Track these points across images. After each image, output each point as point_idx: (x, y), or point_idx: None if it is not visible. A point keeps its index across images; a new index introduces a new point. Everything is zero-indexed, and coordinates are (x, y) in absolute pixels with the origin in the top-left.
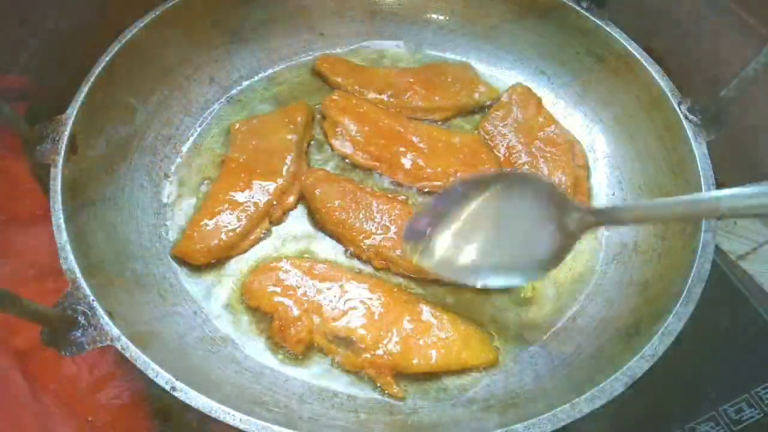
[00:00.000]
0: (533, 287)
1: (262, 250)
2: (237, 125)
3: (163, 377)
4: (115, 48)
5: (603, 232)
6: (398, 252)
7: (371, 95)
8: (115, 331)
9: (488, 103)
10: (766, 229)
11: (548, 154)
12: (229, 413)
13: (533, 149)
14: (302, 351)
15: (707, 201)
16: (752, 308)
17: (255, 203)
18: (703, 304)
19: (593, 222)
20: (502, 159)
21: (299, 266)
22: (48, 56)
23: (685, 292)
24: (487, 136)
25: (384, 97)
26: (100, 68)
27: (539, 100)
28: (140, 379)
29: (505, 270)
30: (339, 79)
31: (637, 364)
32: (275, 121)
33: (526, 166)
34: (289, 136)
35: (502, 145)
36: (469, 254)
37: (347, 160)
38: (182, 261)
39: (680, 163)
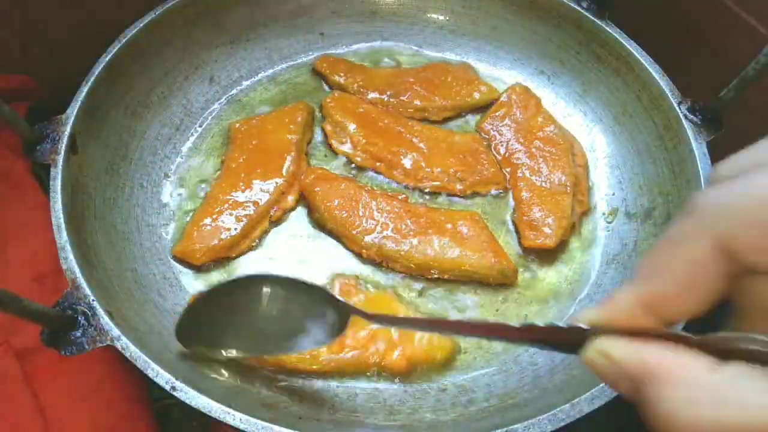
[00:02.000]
0: (524, 289)
1: (262, 250)
2: (237, 125)
3: (163, 377)
4: (115, 48)
5: (603, 232)
6: (399, 248)
7: (371, 95)
8: (115, 331)
9: (488, 103)
10: None
11: (548, 154)
12: (229, 413)
13: (533, 149)
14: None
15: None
16: None
17: (255, 203)
18: None
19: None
20: (501, 159)
21: None
22: (48, 56)
23: None
24: (486, 136)
25: (384, 97)
26: (100, 68)
27: (538, 100)
28: (140, 379)
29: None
30: (339, 79)
31: None
32: (275, 121)
33: (526, 166)
34: (289, 136)
35: (502, 145)
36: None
37: (347, 160)
38: (182, 261)
39: (680, 163)
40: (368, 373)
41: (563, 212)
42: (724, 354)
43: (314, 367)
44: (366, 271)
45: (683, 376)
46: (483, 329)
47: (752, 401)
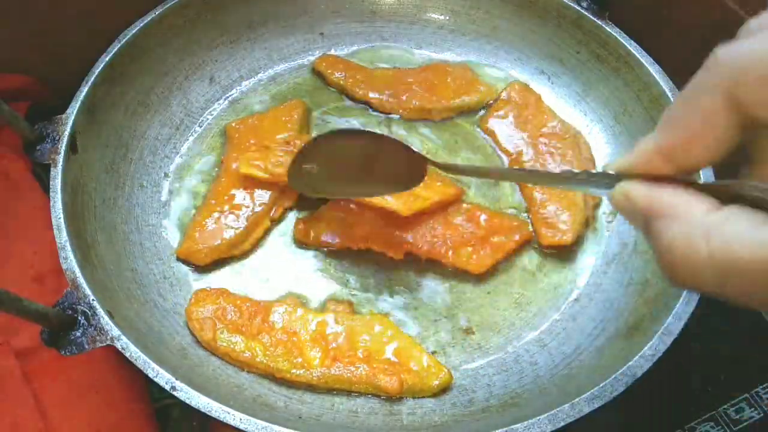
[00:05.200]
0: (526, 289)
1: (265, 248)
2: (233, 124)
3: (163, 377)
4: (115, 48)
5: (603, 232)
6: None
7: (371, 95)
8: (115, 331)
9: (488, 103)
10: None
11: (554, 149)
12: (229, 413)
13: (539, 145)
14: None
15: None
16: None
17: (256, 202)
18: (703, 304)
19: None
20: (509, 159)
21: (233, 300)
22: (48, 56)
23: (685, 292)
24: (489, 136)
25: (383, 97)
26: (100, 68)
27: (539, 97)
28: (140, 379)
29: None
30: (338, 79)
31: (637, 364)
32: (271, 120)
33: (533, 162)
34: (286, 135)
35: (508, 144)
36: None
37: None
38: (185, 261)
39: None
40: (359, 390)
41: (577, 206)
42: (729, 199)
43: (303, 380)
44: (361, 296)
45: (684, 213)
46: (532, 176)
47: (742, 236)
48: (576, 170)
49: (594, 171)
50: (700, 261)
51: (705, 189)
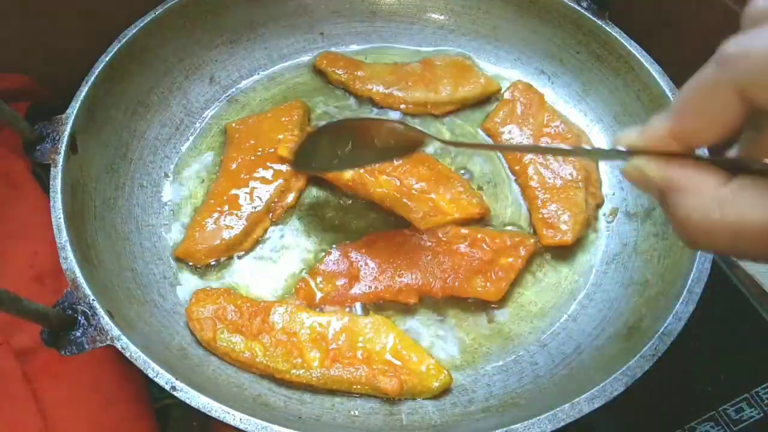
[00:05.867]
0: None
1: (265, 248)
2: (233, 125)
3: (163, 377)
4: (115, 48)
5: (603, 232)
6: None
7: (373, 89)
8: (115, 331)
9: (489, 95)
10: None
11: None
12: (229, 413)
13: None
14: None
15: None
16: (752, 308)
17: (255, 202)
18: (703, 304)
19: None
20: (510, 158)
21: (233, 300)
22: (48, 56)
23: (685, 292)
24: (492, 136)
25: (386, 91)
26: (100, 68)
27: (542, 96)
28: (140, 379)
29: None
30: (339, 75)
31: (637, 364)
32: (271, 120)
33: (536, 163)
34: (286, 135)
35: (510, 143)
36: None
37: None
38: (185, 261)
39: None
40: (358, 391)
41: (578, 207)
42: (735, 170)
43: (303, 381)
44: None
45: (697, 187)
46: (544, 150)
47: (753, 204)
48: (588, 147)
49: (606, 149)
50: (716, 228)
51: (713, 163)
